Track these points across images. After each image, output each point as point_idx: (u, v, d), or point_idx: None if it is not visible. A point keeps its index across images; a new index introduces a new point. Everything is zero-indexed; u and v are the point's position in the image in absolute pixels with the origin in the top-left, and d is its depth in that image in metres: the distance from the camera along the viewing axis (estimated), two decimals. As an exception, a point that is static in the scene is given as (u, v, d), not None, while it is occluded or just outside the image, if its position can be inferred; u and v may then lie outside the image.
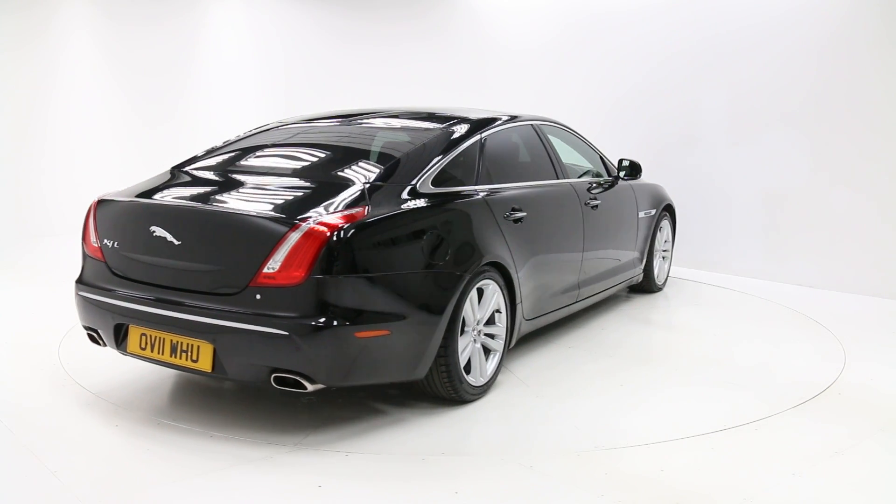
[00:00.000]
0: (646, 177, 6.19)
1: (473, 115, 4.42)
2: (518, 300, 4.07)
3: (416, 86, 9.67)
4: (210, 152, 4.24)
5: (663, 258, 6.38)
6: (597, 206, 5.00)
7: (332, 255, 3.09)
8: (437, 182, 3.74)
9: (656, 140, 7.66)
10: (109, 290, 3.54)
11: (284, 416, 3.66)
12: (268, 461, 3.16)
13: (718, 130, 7.30)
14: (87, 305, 3.67)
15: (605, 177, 5.46)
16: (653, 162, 7.04)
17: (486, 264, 3.78)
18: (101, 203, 3.71)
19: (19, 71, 8.37)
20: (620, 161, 5.56)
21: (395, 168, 3.65)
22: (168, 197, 3.62)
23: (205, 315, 3.22)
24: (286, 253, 3.10)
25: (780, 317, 5.69)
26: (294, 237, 3.10)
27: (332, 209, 3.25)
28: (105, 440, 3.38)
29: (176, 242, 3.32)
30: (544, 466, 3.14)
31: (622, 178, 5.51)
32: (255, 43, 10.25)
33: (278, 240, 3.11)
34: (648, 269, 6.06)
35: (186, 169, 4.01)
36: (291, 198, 3.45)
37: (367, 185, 3.48)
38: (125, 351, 3.54)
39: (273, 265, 3.11)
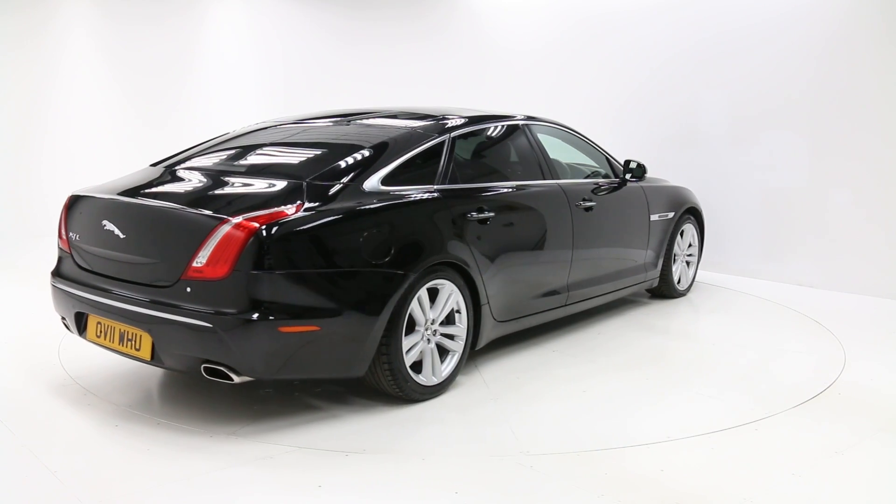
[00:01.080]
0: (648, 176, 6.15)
1: (447, 116, 4.40)
2: (483, 301, 4.04)
3: (416, 86, 9.67)
4: (188, 150, 4.39)
5: (687, 263, 6.19)
6: (591, 207, 4.89)
7: (256, 250, 3.15)
8: (388, 181, 3.74)
9: (656, 140, 7.66)
10: (73, 281, 3.76)
11: (284, 417, 3.66)
12: (268, 461, 3.16)
13: (719, 130, 7.30)
14: (56, 295, 3.89)
15: (612, 178, 5.38)
16: (653, 162, 7.04)
17: (440, 264, 3.78)
18: (72, 199, 3.90)
19: (19, 71, 8.37)
20: (627, 162, 5.48)
21: (343, 167, 3.70)
22: (123, 192, 3.72)
23: (143, 306, 3.36)
24: (213, 248, 3.19)
25: (780, 317, 5.69)
26: (220, 232, 3.18)
27: (263, 206, 3.31)
28: (105, 440, 3.38)
29: (122, 236, 3.51)
30: (544, 466, 3.14)
31: (628, 180, 5.43)
32: (255, 43, 10.24)
33: (206, 235, 3.21)
34: (666, 274, 5.90)
35: (159, 166, 4.18)
36: (232, 195, 3.55)
37: (309, 183, 3.53)
38: (86, 338, 3.74)
39: (201, 259, 3.21)
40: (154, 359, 3.38)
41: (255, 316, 3.15)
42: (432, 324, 3.80)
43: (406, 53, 9.81)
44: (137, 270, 3.45)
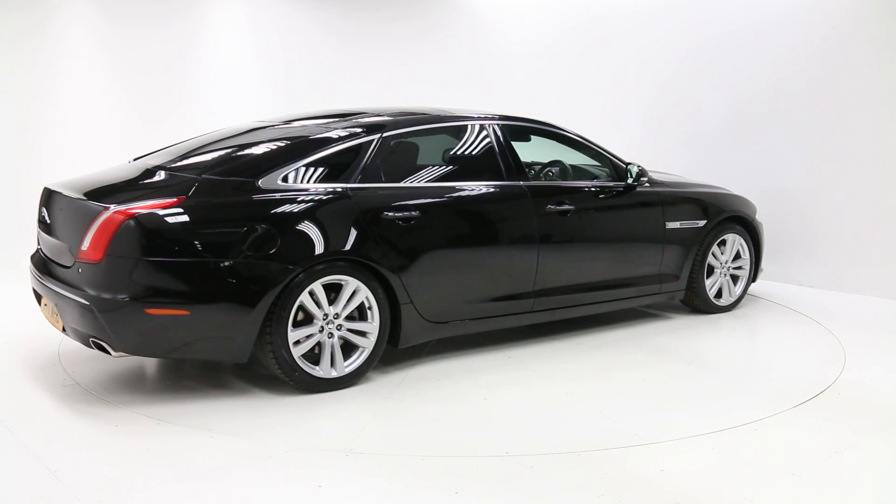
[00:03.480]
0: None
1: (386, 116, 4.44)
2: (404, 300, 4.07)
3: (416, 86, 9.66)
4: (161, 148, 4.61)
5: (732, 277, 5.66)
6: (567, 211, 4.66)
7: (125, 237, 3.48)
8: (290, 178, 3.88)
9: (656, 140, 7.66)
10: (33, 263, 4.22)
11: (284, 417, 3.66)
12: (268, 461, 3.16)
13: (719, 130, 7.29)
14: (29, 276, 4.28)
15: (615, 181, 5.07)
16: (653, 162, 7.04)
17: (344, 261, 3.87)
18: (44, 190, 4.27)
19: (19, 71, 8.36)
20: (627, 166, 5.15)
21: (244, 164, 3.96)
22: (68, 183, 4.07)
23: (55, 284, 3.81)
24: (93, 234, 3.53)
25: (779, 317, 5.69)
26: (100, 220, 3.53)
27: (148, 198, 3.63)
28: (105, 440, 3.38)
29: (49, 222, 4.00)
30: (544, 466, 3.14)
31: (632, 184, 5.07)
32: (255, 43, 10.24)
33: (91, 221, 3.56)
34: (697, 287, 5.41)
35: (130, 161, 4.47)
36: (136, 187, 3.89)
37: (201, 179, 3.77)
38: (44, 315, 4.12)
39: (86, 244, 3.57)
40: (65, 331, 3.81)
41: (122, 297, 3.48)
42: (336, 318, 3.89)
43: (406, 53, 9.80)
44: (57, 253, 3.91)
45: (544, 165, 5.20)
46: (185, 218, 3.56)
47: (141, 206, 3.54)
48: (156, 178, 3.93)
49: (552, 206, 4.63)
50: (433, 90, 9.58)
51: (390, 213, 4.04)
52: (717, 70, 7.23)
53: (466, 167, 4.59)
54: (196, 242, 3.56)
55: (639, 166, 5.15)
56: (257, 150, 4.11)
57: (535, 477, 3.06)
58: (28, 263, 4.32)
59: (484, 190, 4.47)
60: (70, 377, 4.11)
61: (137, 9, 9.30)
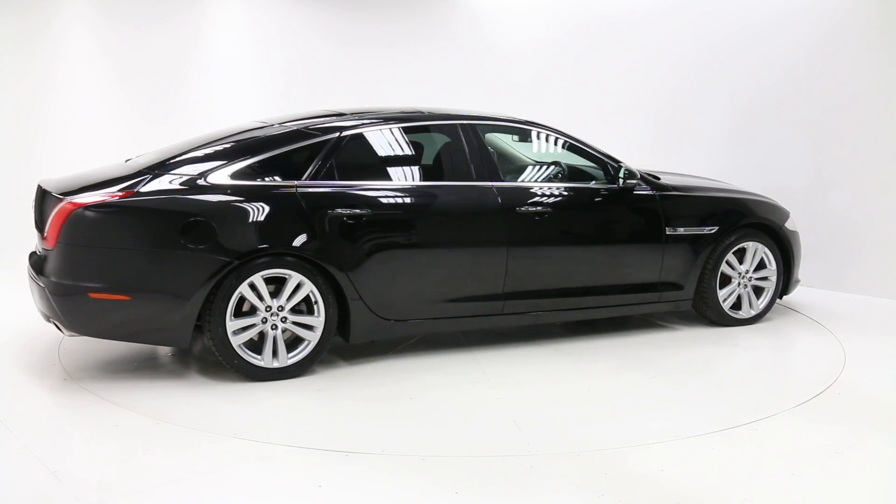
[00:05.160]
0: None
1: (347, 116, 4.50)
2: (353, 297, 4.14)
3: (416, 86, 9.66)
4: (160, 148, 4.64)
5: (753, 289, 5.25)
6: (543, 213, 4.55)
7: (73, 227, 3.77)
8: (240, 176, 4.05)
9: (656, 140, 7.66)
10: (30, 262, 4.33)
11: (284, 417, 3.66)
12: (268, 461, 3.16)
13: (719, 130, 7.30)
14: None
15: (602, 185, 4.85)
16: (653, 162, 7.04)
17: (288, 256, 4.00)
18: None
19: (19, 71, 8.36)
20: (618, 166, 4.89)
21: (201, 160, 4.11)
22: (51, 179, 4.27)
23: (28, 270, 4.13)
24: (50, 223, 3.85)
25: (779, 317, 5.68)
26: (55, 210, 3.82)
27: (98, 190, 3.87)
28: (105, 440, 3.38)
29: (32, 213, 4.21)
30: (544, 466, 3.14)
31: (625, 186, 4.84)
32: (255, 43, 10.24)
33: (50, 211, 3.86)
34: (708, 298, 5.09)
35: (124, 161, 4.55)
36: (100, 180, 4.01)
37: (156, 174, 3.99)
38: None
39: (45, 232, 3.90)
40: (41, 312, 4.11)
41: (69, 282, 3.79)
42: (280, 310, 4.02)
43: (406, 53, 9.80)
44: (38, 243, 4.18)
45: (541, 165, 5.07)
46: (128, 210, 3.84)
47: (88, 198, 3.81)
48: (122, 174, 4.07)
49: (525, 208, 4.53)
50: (433, 90, 9.58)
51: (338, 211, 4.13)
52: (718, 70, 7.23)
53: (429, 167, 4.61)
54: (137, 233, 3.84)
55: (627, 169, 4.87)
56: (219, 147, 4.24)
57: (535, 477, 3.06)
58: (27, 263, 4.32)
59: (444, 190, 4.45)
60: (70, 377, 4.11)
61: (137, 9, 9.30)
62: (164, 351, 4.54)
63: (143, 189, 3.89)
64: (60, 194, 3.88)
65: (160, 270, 3.85)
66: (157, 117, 9.72)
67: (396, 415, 3.72)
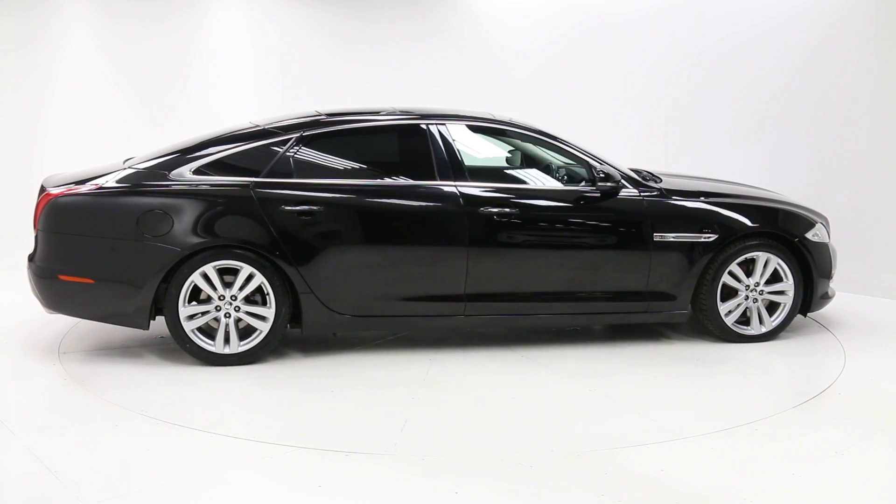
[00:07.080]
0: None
1: (309, 117, 4.64)
2: (303, 290, 4.30)
3: (415, 86, 9.66)
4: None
5: (766, 304, 4.84)
6: (510, 214, 4.45)
7: (48, 216, 4.21)
8: (201, 171, 4.33)
9: (659, 141, 7.65)
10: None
11: (284, 417, 3.66)
12: (268, 461, 3.16)
13: (719, 130, 7.29)
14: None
15: (579, 187, 4.66)
16: (653, 162, 7.04)
17: (237, 249, 4.22)
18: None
19: (20, 72, 8.37)
20: (600, 167, 4.67)
21: (171, 156, 4.39)
22: (51, 176, 4.57)
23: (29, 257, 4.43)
24: (35, 212, 4.28)
25: (780, 317, 5.68)
26: (37, 200, 4.28)
27: (74, 183, 4.25)
28: (105, 440, 3.38)
29: (34, 212, 4.46)
30: (544, 466, 3.14)
31: (604, 188, 4.61)
32: (255, 43, 10.24)
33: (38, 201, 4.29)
34: (709, 311, 4.76)
35: (122, 161, 4.71)
36: (86, 175, 4.34)
37: (128, 169, 4.34)
38: None
39: (33, 220, 4.31)
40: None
41: (44, 265, 4.25)
42: (233, 300, 4.25)
43: (406, 54, 9.80)
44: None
45: (514, 166, 5.04)
46: (93, 201, 4.21)
47: (60, 190, 4.21)
48: (104, 171, 4.39)
49: (488, 209, 4.45)
50: (433, 91, 9.58)
51: (290, 207, 4.29)
52: (719, 70, 7.23)
53: (389, 166, 4.61)
54: (100, 223, 4.19)
55: (603, 171, 4.63)
56: (191, 145, 4.48)
57: (535, 477, 3.06)
58: (26, 262, 4.39)
59: (401, 189, 4.49)
60: (70, 377, 4.11)
61: (137, 9, 9.31)
62: (164, 351, 4.54)
63: (109, 183, 4.25)
64: (46, 187, 4.29)
65: (121, 257, 4.18)
66: (157, 117, 9.73)
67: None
